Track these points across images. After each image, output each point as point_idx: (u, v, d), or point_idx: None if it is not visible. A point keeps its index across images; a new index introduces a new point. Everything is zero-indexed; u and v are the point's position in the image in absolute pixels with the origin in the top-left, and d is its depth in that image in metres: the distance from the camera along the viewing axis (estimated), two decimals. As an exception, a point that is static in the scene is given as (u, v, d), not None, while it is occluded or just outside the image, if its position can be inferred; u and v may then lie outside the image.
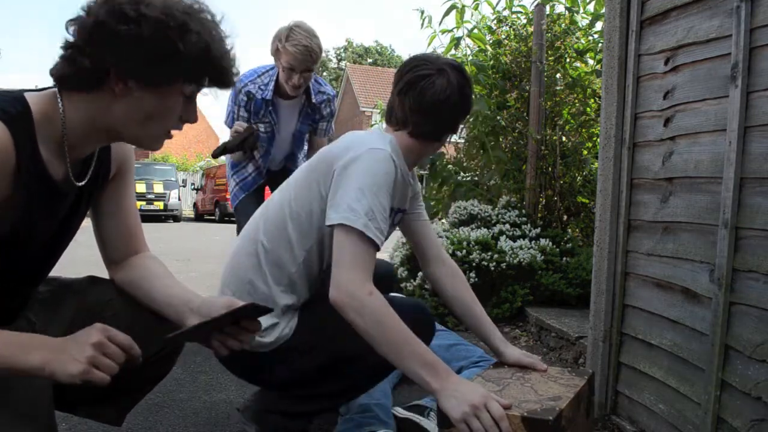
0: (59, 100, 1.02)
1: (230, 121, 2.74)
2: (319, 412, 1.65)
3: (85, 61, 0.97)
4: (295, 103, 2.75)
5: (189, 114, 1.09)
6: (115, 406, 1.14)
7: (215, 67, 1.04)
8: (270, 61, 2.71)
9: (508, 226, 3.71)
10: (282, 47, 2.51)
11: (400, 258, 3.80)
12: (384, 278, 1.57)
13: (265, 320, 1.39)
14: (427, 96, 1.46)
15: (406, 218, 1.68)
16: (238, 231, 2.74)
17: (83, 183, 1.12)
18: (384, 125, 1.61)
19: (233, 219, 2.98)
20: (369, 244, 1.31)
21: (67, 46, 0.99)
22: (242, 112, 2.71)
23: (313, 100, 2.76)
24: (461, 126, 4.52)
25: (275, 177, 2.88)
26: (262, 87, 2.67)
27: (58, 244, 1.17)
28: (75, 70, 0.98)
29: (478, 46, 4.47)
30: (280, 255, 1.48)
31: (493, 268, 3.26)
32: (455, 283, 1.69)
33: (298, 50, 2.48)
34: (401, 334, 1.26)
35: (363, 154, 1.38)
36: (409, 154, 1.53)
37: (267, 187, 2.92)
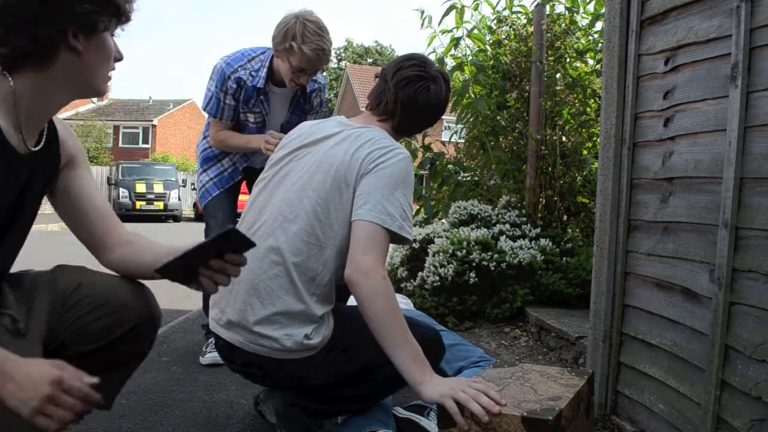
0: (7, 77, 1.06)
1: (214, 109, 2.42)
2: (338, 413, 1.67)
3: (37, 32, 1.03)
4: (287, 92, 2.50)
5: (118, 52, 1.18)
6: (102, 388, 1.15)
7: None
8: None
9: (508, 226, 3.71)
10: (297, 48, 2.22)
11: (400, 258, 3.80)
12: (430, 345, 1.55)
13: (305, 328, 1.45)
14: (420, 98, 1.59)
15: None
16: (207, 233, 2.58)
17: (38, 148, 1.16)
18: (366, 111, 1.68)
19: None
20: (398, 240, 1.45)
21: (12, 25, 1.03)
22: (229, 100, 2.40)
23: (307, 89, 2.51)
24: (461, 126, 4.54)
25: (254, 174, 2.49)
26: (252, 73, 2.38)
27: (18, 216, 1.17)
28: (25, 45, 1.04)
29: (478, 46, 4.46)
30: (313, 267, 1.47)
31: (493, 268, 3.26)
32: None
33: (316, 54, 2.24)
34: (401, 323, 1.35)
35: (390, 158, 1.48)
36: None
37: (244, 183, 2.70)
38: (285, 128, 2.52)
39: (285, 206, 1.51)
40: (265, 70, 2.40)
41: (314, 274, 1.47)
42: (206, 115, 2.56)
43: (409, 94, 1.57)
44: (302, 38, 2.21)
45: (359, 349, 1.50)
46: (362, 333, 1.42)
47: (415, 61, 1.61)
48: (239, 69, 2.38)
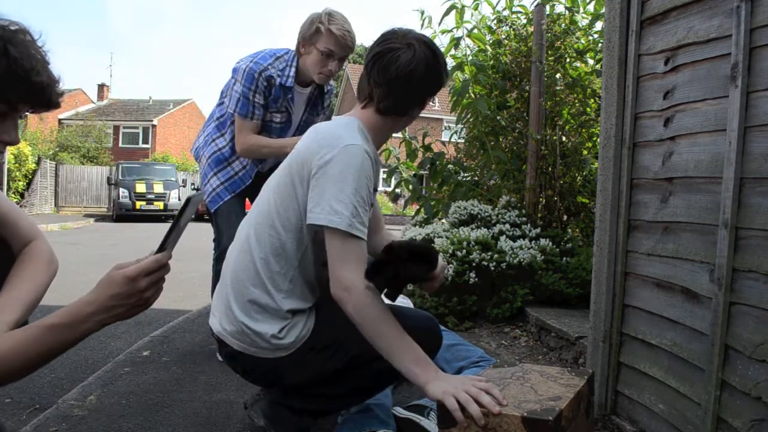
0: None
1: (245, 108, 2.41)
2: (325, 411, 1.66)
3: None
4: (308, 93, 2.57)
5: (8, 134, 1.07)
6: None
7: (30, 85, 1.01)
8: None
9: (508, 226, 3.71)
10: (325, 29, 2.31)
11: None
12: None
13: (274, 324, 1.46)
14: (391, 69, 1.46)
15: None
16: (219, 237, 2.60)
17: None
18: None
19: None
20: (356, 239, 1.37)
21: None
22: (258, 98, 2.41)
23: (324, 88, 2.60)
24: (461, 126, 4.53)
25: (261, 179, 2.51)
26: (280, 73, 2.42)
27: None
28: None
29: (478, 46, 4.46)
30: (276, 262, 1.49)
31: (493, 268, 3.26)
32: (390, 237, 1.82)
33: (342, 34, 2.31)
34: (396, 328, 1.33)
35: (338, 153, 1.39)
36: (377, 132, 1.54)
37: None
38: (302, 128, 2.60)
39: (260, 200, 1.58)
40: (293, 69, 2.43)
41: (277, 269, 1.48)
42: (214, 115, 2.59)
43: (379, 69, 1.48)
44: (328, 20, 2.32)
45: (339, 348, 1.49)
46: (342, 331, 1.43)
47: (383, 36, 1.53)
48: (269, 68, 2.39)
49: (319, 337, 1.50)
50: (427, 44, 1.50)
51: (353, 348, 1.46)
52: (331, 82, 2.63)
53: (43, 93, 1.03)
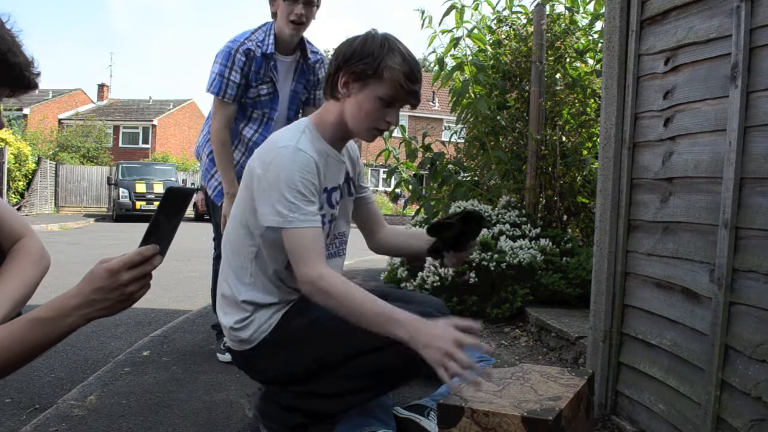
0: None
1: (217, 87, 2.42)
2: (317, 413, 1.63)
3: None
4: (291, 61, 2.57)
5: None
6: None
7: (7, 67, 1.00)
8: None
9: (508, 226, 3.71)
10: None
11: (400, 258, 3.80)
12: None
13: (233, 316, 1.59)
14: (342, 49, 1.52)
15: (358, 204, 1.78)
16: (218, 231, 2.61)
17: None
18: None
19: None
20: (302, 230, 1.43)
21: None
22: (234, 76, 2.41)
23: (309, 58, 2.59)
24: (461, 126, 4.53)
25: None
26: (259, 44, 2.45)
27: None
28: None
29: (478, 46, 4.46)
30: (237, 258, 1.59)
31: (493, 268, 3.26)
32: (395, 230, 1.87)
33: None
34: (360, 302, 1.35)
35: (274, 157, 1.47)
36: (338, 126, 1.57)
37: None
38: (292, 98, 2.61)
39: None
40: (271, 37, 2.46)
41: (239, 264, 1.59)
42: (207, 110, 2.58)
43: (332, 58, 1.55)
44: None
45: (306, 345, 1.53)
46: (310, 329, 1.49)
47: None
48: (245, 42, 2.43)
49: (282, 334, 1.55)
50: (389, 35, 1.52)
51: (323, 347, 1.50)
52: (320, 52, 2.63)
53: (22, 74, 1.03)
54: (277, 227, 1.44)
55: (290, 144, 1.49)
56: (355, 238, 1.87)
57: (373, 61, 1.46)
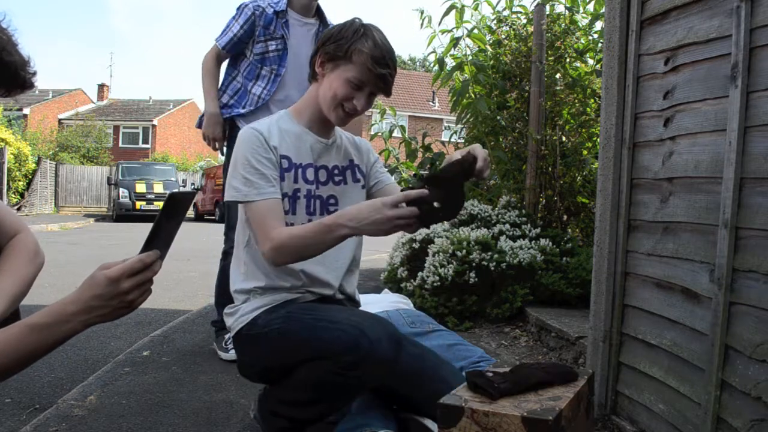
0: None
1: (221, 36, 2.55)
2: (295, 420, 1.56)
3: None
4: (310, 26, 2.63)
5: None
6: None
7: (2, 66, 1.00)
8: None
9: (508, 226, 3.71)
10: None
11: (400, 258, 3.80)
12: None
13: (231, 303, 1.63)
14: (325, 33, 1.59)
15: (376, 191, 1.74)
16: (228, 231, 2.63)
17: None
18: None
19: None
20: (256, 203, 1.49)
21: None
22: (236, 28, 2.52)
23: (329, 24, 2.62)
24: (461, 126, 4.53)
25: None
26: (272, 4, 2.52)
27: None
28: None
29: (478, 46, 4.46)
30: (238, 249, 1.64)
31: (493, 268, 3.26)
32: None
33: None
34: (309, 234, 1.42)
35: (237, 141, 1.57)
36: (314, 108, 1.60)
37: None
38: (304, 65, 2.67)
39: None
40: None
41: (239, 252, 1.64)
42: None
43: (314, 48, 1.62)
44: None
45: (265, 348, 1.53)
46: (283, 328, 1.48)
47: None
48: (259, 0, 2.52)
49: (251, 330, 1.56)
50: (374, 26, 1.58)
51: (291, 353, 1.48)
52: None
53: (17, 73, 1.02)
54: (232, 201, 1.52)
55: (248, 127, 1.57)
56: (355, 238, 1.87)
57: (345, 43, 1.50)
